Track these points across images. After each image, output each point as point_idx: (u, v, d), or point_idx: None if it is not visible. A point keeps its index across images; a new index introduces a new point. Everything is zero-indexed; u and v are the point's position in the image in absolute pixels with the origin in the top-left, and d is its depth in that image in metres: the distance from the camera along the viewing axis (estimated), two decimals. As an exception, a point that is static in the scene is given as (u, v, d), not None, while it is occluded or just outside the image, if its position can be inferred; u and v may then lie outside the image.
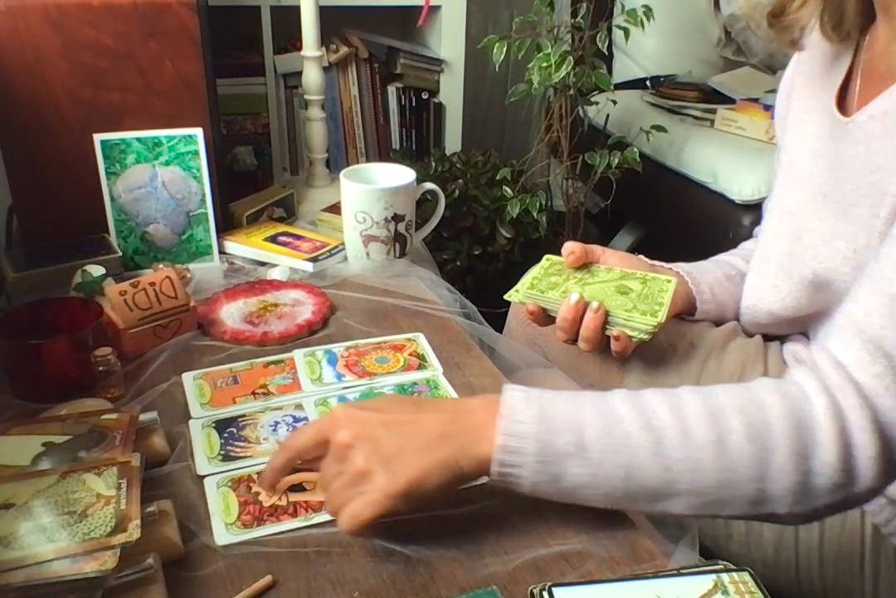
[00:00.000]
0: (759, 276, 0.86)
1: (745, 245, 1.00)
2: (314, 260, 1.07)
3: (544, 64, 1.49)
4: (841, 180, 0.76)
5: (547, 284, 0.83)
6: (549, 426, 0.58)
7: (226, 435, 0.75)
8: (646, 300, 0.80)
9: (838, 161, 0.77)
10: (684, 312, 0.88)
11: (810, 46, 0.83)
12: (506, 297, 0.85)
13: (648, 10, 1.51)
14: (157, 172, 1.04)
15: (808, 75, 0.85)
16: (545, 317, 0.83)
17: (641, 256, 0.91)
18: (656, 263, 0.91)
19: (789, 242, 0.81)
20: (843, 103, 0.79)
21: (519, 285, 0.85)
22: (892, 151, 0.69)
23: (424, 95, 1.80)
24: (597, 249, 0.88)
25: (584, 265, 0.87)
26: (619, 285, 0.83)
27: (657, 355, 0.85)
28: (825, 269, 0.75)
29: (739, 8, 2.11)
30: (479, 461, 0.58)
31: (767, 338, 0.89)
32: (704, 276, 0.90)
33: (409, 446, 0.58)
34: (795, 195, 0.82)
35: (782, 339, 0.89)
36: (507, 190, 1.63)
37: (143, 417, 0.71)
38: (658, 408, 0.58)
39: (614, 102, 1.71)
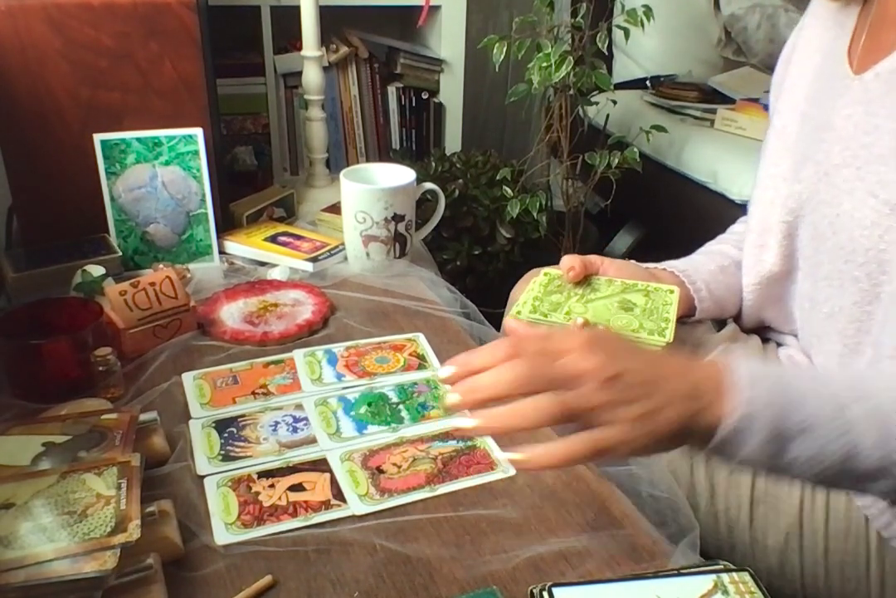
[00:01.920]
0: (759, 248, 0.85)
1: (735, 228, 0.98)
2: (314, 260, 1.07)
3: (544, 64, 1.49)
4: (827, 141, 0.75)
5: (549, 306, 0.82)
6: (779, 409, 0.55)
7: (226, 435, 0.75)
8: (651, 316, 0.79)
9: (828, 121, 0.75)
10: (684, 314, 0.88)
11: (814, 14, 0.82)
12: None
13: (648, 10, 1.51)
14: (157, 172, 1.04)
15: (808, 39, 0.83)
16: None
17: (634, 262, 0.90)
18: (649, 265, 0.90)
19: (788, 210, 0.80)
20: (850, 62, 0.76)
21: (520, 306, 0.83)
22: (894, 112, 0.68)
23: (424, 95, 1.80)
24: (595, 259, 0.87)
25: (584, 278, 0.86)
26: (622, 300, 0.82)
27: None
28: (821, 234, 0.75)
29: (739, 8, 2.11)
30: (708, 425, 0.54)
31: (765, 340, 0.89)
32: (699, 272, 0.89)
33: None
34: (787, 161, 0.81)
35: (778, 342, 0.89)
36: (507, 190, 1.63)
37: (143, 417, 0.71)
38: (882, 394, 0.57)
39: (614, 102, 1.71)
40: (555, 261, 0.90)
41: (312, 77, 1.31)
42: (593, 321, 0.78)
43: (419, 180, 1.08)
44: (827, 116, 0.76)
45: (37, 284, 0.96)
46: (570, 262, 0.85)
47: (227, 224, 1.14)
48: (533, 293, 0.84)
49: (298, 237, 1.14)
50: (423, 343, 0.91)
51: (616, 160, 1.57)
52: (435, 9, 1.72)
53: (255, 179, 1.51)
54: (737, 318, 0.92)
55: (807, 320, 0.82)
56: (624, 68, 2.22)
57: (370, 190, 1.03)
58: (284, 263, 1.08)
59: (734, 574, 0.57)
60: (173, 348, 0.88)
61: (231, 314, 0.95)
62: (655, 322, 0.78)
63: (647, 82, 2.06)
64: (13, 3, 0.94)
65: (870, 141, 0.70)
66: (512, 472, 0.70)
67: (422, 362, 0.87)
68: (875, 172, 0.69)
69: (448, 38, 1.76)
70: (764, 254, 0.84)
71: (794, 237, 0.81)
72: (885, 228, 0.67)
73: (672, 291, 0.83)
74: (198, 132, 1.04)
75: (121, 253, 1.02)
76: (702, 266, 0.90)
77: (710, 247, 0.97)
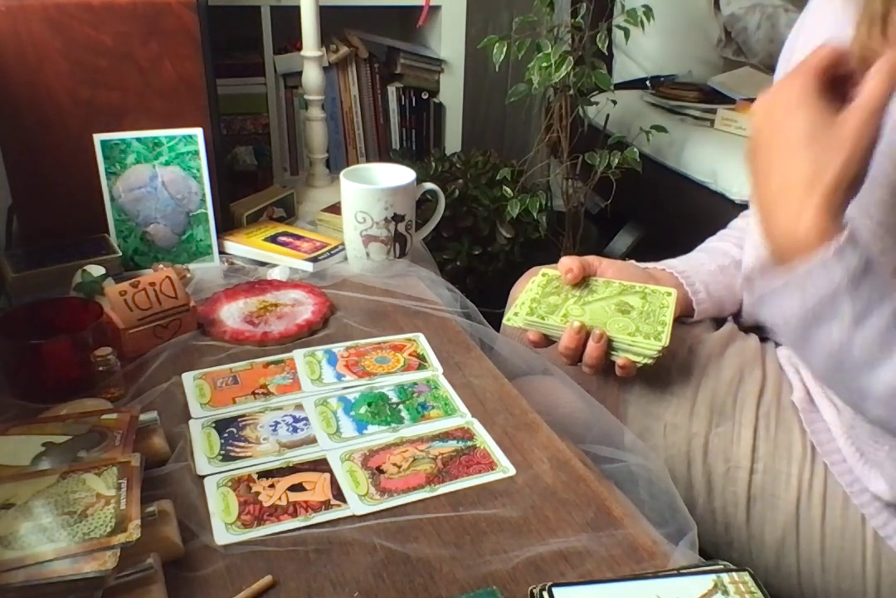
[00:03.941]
0: (761, 250, 0.84)
1: (736, 223, 0.97)
2: (314, 260, 1.07)
3: (544, 64, 1.49)
4: None
5: (546, 308, 0.82)
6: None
7: (226, 435, 0.75)
8: (648, 319, 0.79)
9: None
10: (682, 315, 0.88)
11: (815, 12, 0.81)
12: (505, 321, 0.84)
13: (648, 10, 1.51)
14: (157, 172, 1.04)
15: (809, 39, 0.82)
16: (547, 341, 0.82)
17: (633, 262, 0.90)
18: (648, 265, 0.90)
19: None
20: None
21: (518, 307, 0.83)
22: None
23: (424, 95, 1.80)
24: (593, 260, 0.87)
25: (582, 279, 0.86)
26: (620, 302, 0.82)
27: (656, 362, 0.85)
28: None
29: (739, 8, 2.11)
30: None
31: (762, 339, 0.89)
32: (699, 273, 0.89)
33: None
34: None
35: (776, 342, 0.89)
36: (507, 190, 1.63)
37: (143, 417, 0.71)
38: None
39: (614, 102, 1.71)
40: (555, 261, 0.90)
41: (312, 77, 1.31)
42: (590, 324, 0.78)
43: (419, 180, 1.08)
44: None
45: (37, 284, 0.96)
46: (569, 263, 0.85)
47: (227, 224, 1.14)
48: (531, 295, 0.84)
49: (298, 237, 1.14)
50: (423, 343, 0.91)
51: (616, 160, 1.57)
52: (435, 9, 1.72)
53: (255, 179, 1.51)
54: (736, 316, 0.92)
55: None
56: (624, 68, 2.22)
57: (370, 190, 1.03)
58: (284, 263, 1.08)
59: (734, 574, 0.57)
60: (173, 348, 0.88)
61: (231, 314, 0.95)
62: (652, 326, 0.78)
63: (647, 82, 2.06)
64: (13, 3, 0.94)
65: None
66: (512, 472, 0.70)
67: (422, 362, 0.87)
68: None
69: (448, 38, 1.76)
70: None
71: None
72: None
73: (669, 294, 0.83)
74: (198, 132, 1.04)
75: (121, 253, 1.02)
76: (701, 266, 0.90)
77: (711, 244, 0.96)
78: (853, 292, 0.56)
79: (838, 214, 0.57)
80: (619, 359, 0.78)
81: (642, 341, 0.77)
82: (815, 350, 0.59)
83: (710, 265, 0.90)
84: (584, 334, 0.77)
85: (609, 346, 0.78)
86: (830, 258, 0.56)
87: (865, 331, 0.57)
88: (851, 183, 0.57)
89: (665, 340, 0.77)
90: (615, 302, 0.82)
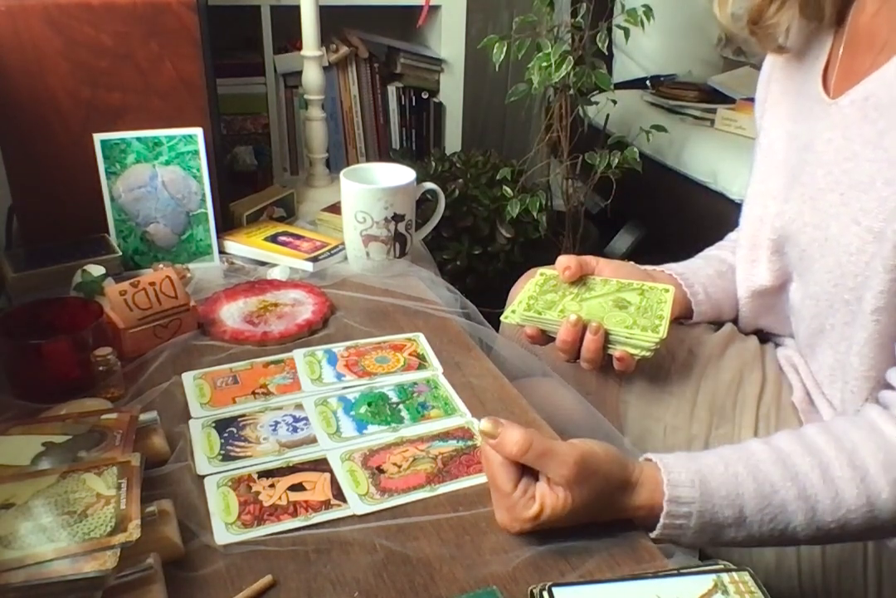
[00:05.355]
0: (751, 263, 0.85)
1: (732, 236, 0.99)
2: (314, 260, 1.07)
3: (544, 64, 1.49)
4: (811, 163, 0.75)
5: (543, 304, 0.82)
6: (710, 505, 0.62)
7: (226, 435, 0.75)
8: (645, 314, 0.79)
9: (811, 143, 0.76)
10: (681, 316, 0.88)
11: (793, 32, 0.83)
12: (502, 319, 0.84)
13: (648, 10, 1.51)
14: (157, 171, 1.04)
15: (788, 58, 0.84)
16: (544, 338, 0.82)
17: (632, 263, 0.91)
18: (647, 267, 0.90)
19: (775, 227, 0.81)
20: (827, 84, 0.77)
21: (515, 305, 0.83)
22: (870, 139, 0.68)
23: (424, 95, 1.80)
24: (591, 260, 0.87)
25: (580, 278, 0.86)
26: (617, 299, 0.82)
27: (656, 363, 0.84)
28: (809, 255, 0.75)
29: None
30: (645, 515, 0.63)
31: (762, 340, 0.89)
32: (697, 275, 0.89)
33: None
34: (775, 179, 0.82)
35: (776, 343, 0.89)
36: (507, 190, 1.63)
37: (143, 417, 0.71)
38: (810, 472, 0.62)
39: (614, 102, 1.71)
40: (554, 261, 0.90)
41: (312, 77, 1.31)
42: (587, 318, 0.78)
43: (419, 180, 1.08)
44: (809, 139, 0.76)
45: (37, 284, 0.96)
46: (566, 261, 0.85)
47: (227, 224, 1.14)
48: (528, 293, 0.85)
49: (298, 237, 1.14)
50: (423, 343, 0.91)
51: (616, 160, 1.57)
52: (435, 9, 1.72)
53: (255, 179, 1.51)
54: (735, 322, 0.92)
55: (801, 328, 0.82)
56: (624, 68, 2.22)
57: (370, 190, 1.03)
58: (284, 262, 1.08)
59: (734, 574, 0.57)
60: (173, 348, 0.88)
61: (231, 314, 0.95)
62: (650, 319, 0.78)
63: (647, 82, 2.06)
64: (13, 3, 0.94)
65: (850, 167, 0.70)
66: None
67: (422, 362, 0.87)
68: (857, 199, 0.69)
69: (448, 38, 1.76)
70: (755, 268, 0.85)
71: (783, 254, 0.81)
72: (871, 254, 0.67)
73: (667, 290, 0.83)
74: (198, 132, 1.04)
75: (121, 253, 1.02)
76: (700, 270, 0.90)
77: (709, 252, 0.97)
78: (710, 520, 0.62)
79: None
80: (617, 352, 0.77)
81: (640, 334, 0.76)
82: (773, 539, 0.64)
83: (708, 270, 0.91)
84: (581, 327, 0.77)
85: (607, 339, 0.77)
86: (670, 516, 0.61)
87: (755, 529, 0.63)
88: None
89: (663, 332, 0.76)
90: (612, 298, 0.82)
